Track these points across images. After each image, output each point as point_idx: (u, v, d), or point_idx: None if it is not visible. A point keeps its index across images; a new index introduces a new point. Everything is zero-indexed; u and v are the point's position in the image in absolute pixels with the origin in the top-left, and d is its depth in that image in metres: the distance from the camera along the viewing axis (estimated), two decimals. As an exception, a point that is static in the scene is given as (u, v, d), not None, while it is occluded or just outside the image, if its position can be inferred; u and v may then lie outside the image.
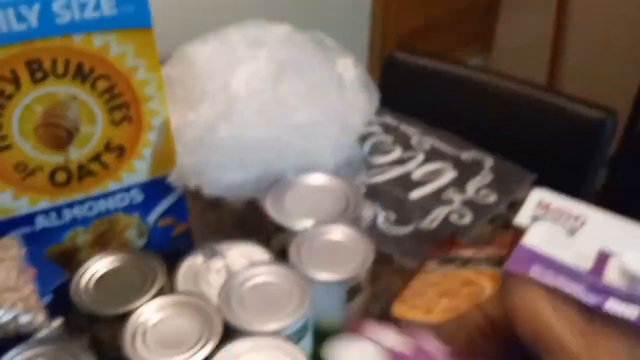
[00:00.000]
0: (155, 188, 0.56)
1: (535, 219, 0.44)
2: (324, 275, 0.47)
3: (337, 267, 0.48)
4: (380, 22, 1.48)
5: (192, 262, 0.52)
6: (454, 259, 0.57)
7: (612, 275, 0.37)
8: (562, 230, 0.43)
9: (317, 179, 0.58)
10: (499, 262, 0.54)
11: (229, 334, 0.43)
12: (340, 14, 1.38)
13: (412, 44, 1.69)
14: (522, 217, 0.44)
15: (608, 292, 0.35)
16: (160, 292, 0.46)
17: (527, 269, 0.37)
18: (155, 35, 0.49)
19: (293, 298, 0.45)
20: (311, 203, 0.56)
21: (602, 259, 0.38)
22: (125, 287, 0.47)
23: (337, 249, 0.50)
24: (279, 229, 0.53)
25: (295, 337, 0.44)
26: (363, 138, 0.82)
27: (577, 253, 0.38)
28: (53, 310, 0.47)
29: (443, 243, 0.63)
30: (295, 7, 1.28)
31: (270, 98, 0.55)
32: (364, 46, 1.51)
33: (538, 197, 0.46)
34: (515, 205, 0.73)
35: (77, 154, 0.51)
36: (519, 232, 0.42)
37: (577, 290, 0.36)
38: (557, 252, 0.38)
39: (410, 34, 1.67)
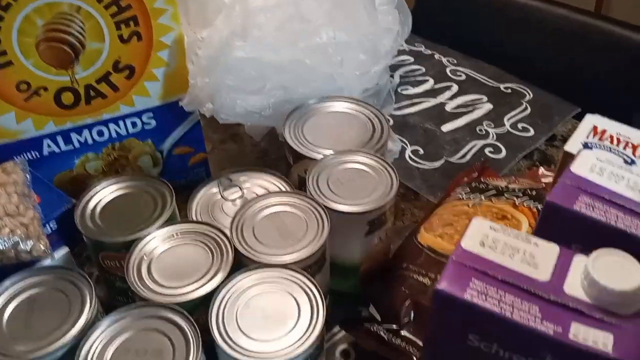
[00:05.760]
0: (169, 113, 0.53)
1: (587, 145, 0.39)
2: (344, 207, 0.43)
3: (358, 198, 0.44)
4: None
5: (207, 192, 0.49)
6: (486, 188, 0.52)
7: None
8: (617, 159, 0.38)
9: (341, 106, 0.54)
10: (536, 196, 0.49)
11: (241, 265, 0.40)
12: None
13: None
14: (572, 144, 0.40)
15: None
16: (169, 221, 0.43)
17: (573, 200, 0.32)
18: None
19: (310, 229, 0.42)
20: (333, 131, 0.52)
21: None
22: (133, 215, 0.44)
23: (359, 178, 0.46)
24: (298, 157, 0.49)
25: (311, 270, 0.41)
26: (393, 66, 0.77)
27: (635, 184, 0.33)
28: (58, 238, 0.45)
29: (472, 170, 0.58)
30: None
31: (291, 14, 0.50)
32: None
33: (592, 122, 0.41)
34: (555, 140, 0.68)
35: (83, 73, 0.48)
36: (567, 159, 0.37)
37: (630, 224, 0.31)
38: (611, 183, 0.33)
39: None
